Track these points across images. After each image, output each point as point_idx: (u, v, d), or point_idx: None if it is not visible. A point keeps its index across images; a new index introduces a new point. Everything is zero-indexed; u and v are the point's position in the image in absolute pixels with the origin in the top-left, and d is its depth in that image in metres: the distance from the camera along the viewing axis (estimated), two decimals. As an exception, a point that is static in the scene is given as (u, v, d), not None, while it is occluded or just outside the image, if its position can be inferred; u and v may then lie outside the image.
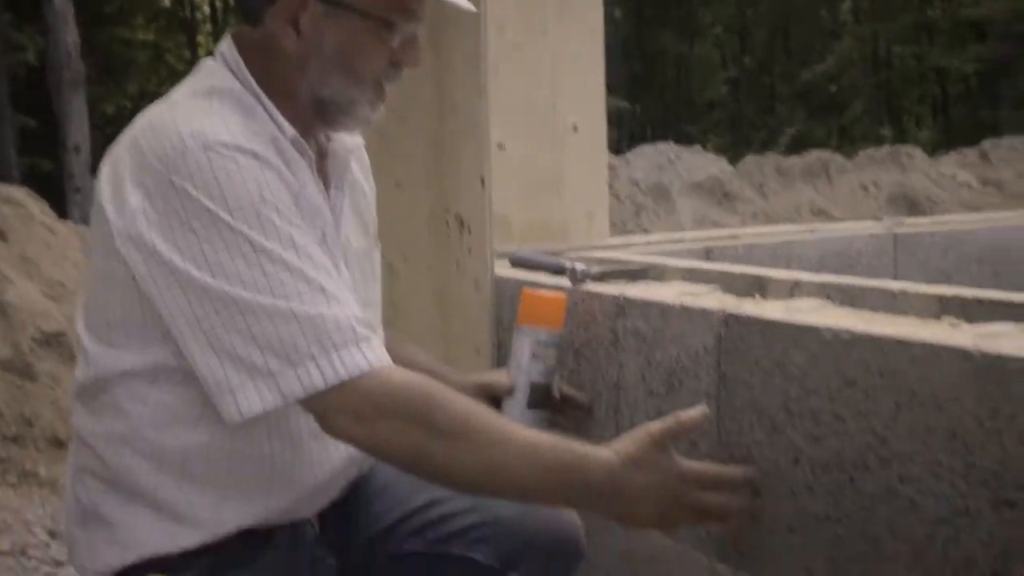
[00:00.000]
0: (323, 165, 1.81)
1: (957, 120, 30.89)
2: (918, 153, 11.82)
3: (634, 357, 2.14)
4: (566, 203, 3.38)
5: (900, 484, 1.54)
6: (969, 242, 3.84)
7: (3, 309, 5.60)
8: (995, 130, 20.43)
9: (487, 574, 1.89)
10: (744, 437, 1.84)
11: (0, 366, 5.44)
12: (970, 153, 12.54)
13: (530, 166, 3.27)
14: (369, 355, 1.57)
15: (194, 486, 1.67)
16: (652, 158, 10.78)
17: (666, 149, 11.18)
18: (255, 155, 1.58)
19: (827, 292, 2.15)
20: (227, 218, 1.53)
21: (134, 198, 1.56)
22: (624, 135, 25.04)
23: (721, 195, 9.23)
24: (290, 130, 1.69)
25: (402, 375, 1.60)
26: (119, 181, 1.59)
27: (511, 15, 3.27)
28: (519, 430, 1.62)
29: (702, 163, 10.80)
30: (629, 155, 11.15)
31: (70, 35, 13.71)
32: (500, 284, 2.70)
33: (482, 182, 2.74)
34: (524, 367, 1.97)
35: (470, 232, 2.80)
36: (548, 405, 1.94)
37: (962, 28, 29.39)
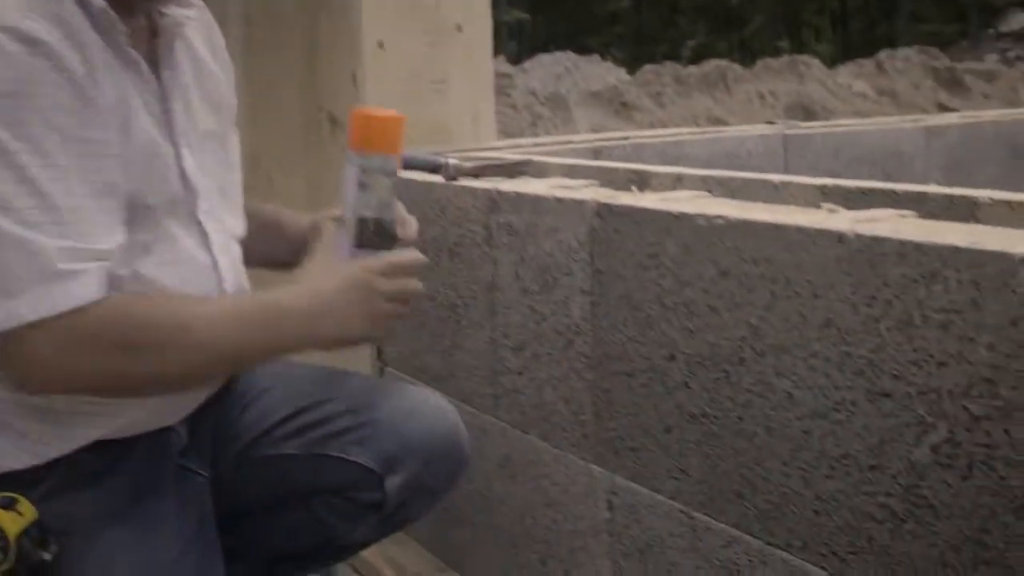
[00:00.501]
0: (154, 44, 1.65)
1: (854, 33, 31.14)
2: (816, 63, 11.83)
3: (507, 254, 2.04)
4: (450, 104, 3.26)
5: (776, 378, 1.47)
6: (859, 144, 3.80)
7: None
8: (891, 43, 20.59)
9: (366, 476, 1.80)
10: (619, 334, 1.77)
11: None
12: (867, 64, 12.60)
13: (411, 66, 3.15)
14: (77, 292, 1.42)
15: (32, 411, 1.55)
16: (550, 68, 10.64)
17: (563, 58, 11.05)
18: (26, 39, 1.41)
19: (709, 186, 2.07)
20: None
21: None
22: (525, 48, 24.78)
23: (619, 104, 9.14)
24: (97, 3, 1.53)
25: (105, 309, 1.45)
26: None
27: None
28: (206, 301, 1.57)
29: (600, 72, 10.70)
30: (526, 64, 11.00)
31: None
32: (374, 184, 2.58)
33: (354, 79, 2.60)
34: (351, 200, 1.65)
35: (343, 130, 2.67)
36: (384, 245, 1.66)
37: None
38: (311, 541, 1.85)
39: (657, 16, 34.72)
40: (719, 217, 1.55)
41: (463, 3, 3.27)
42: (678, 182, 2.13)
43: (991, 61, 16.61)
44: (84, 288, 1.42)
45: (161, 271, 1.54)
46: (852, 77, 11.81)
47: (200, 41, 1.74)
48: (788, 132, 3.69)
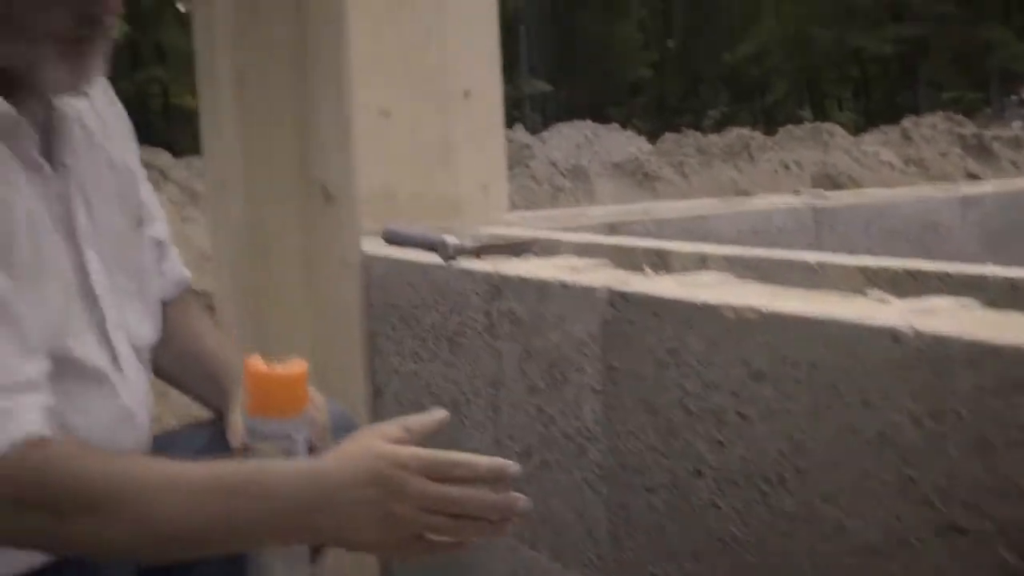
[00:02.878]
0: (49, 138, 1.46)
1: (877, 100, 31.08)
2: (839, 131, 11.65)
3: (511, 345, 1.82)
4: (458, 175, 3.07)
5: (822, 503, 1.24)
6: (893, 216, 3.60)
7: None
8: (914, 110, 20.49)
9: None
10: (636, 442, 1.53)
11: None
12: (891, 131, 12.40)
13: (417, 134, 2.97)
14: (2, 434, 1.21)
15: None
16: (570, 137, 10.46)
17: (584, 128, 10.87)
18: None
19: (736, 267, 1.84)
20: None
21: None
22: (548, 118, 24.76)
23: (641, 175, 8.95)
24: (5, 108, 1.35)
25: (36, 457, 1.22)
26: None
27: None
28: (166, 465, 1.26)
29: (621, 142, 10.51)
30: (546, 134, 10.82)
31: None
32: (369, 263, 2.37)
33: (347, 149, 2.41)
34: None
35: (336, 204, 2.47)
36: None
37: (880, 9, 29.54)
38: None
39: (679, 86, 34.82)
40: (749, 309, 1.32)
41: (471, 67, 3.10)
42: (702, 262, 1.91)
43: (1017, 128, 16.43)
44: (14, 427, 1.21)
45: (60, 398, 1.31)
46: (877, 145, 11.61)
47: (93, 119, 1.55)
48: (817, 204, 3.48)
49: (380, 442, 1.25)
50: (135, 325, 1.53)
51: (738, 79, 32.86)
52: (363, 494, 1.20)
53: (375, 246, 2.37)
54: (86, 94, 1.48)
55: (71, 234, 1.43)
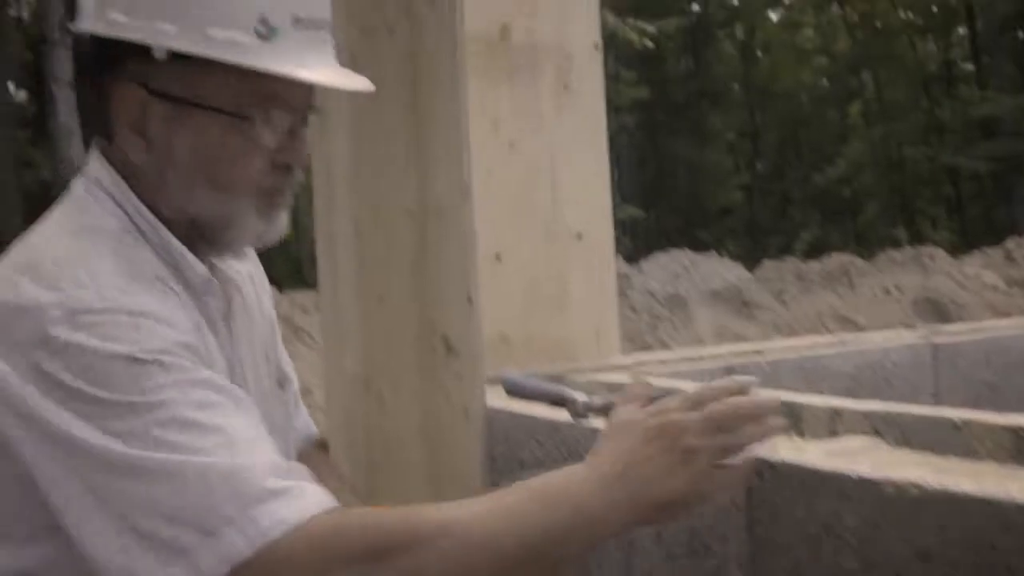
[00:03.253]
0: (209, 304, 1.50)
1: (972, 220, 30.71)
2: (940, 254, 11.51)
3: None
4: (571, 319, 3.07)
5: None
6: (1013, 350, 3.51)
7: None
8: (1012, 229, 20.19)
9: None
10: (786, 617, 1.48)
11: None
12: (994, 253, 12.22)
13: (530, 278, 2.97)
14: (294, 505, 1.23)
15: None
16: (667, 266, 10.46)
17: (681, 256, 10.87)
18: (129, 312, 1.29)
19: (873, 423, 1.80)
20: (102, 394, 1.24)
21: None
22: (639, 244, 24.83)
23: (740, 304, 8.90)
24: (202, 269, 1.42)
25: (331, 518, 1.26)
26: None
27: (506, 109, 3.00)
28: (469, 503, 1.31)
29: (719, 270, 10.48)
30: (643, 264, 10.84)
31: (75, 149, 13.54)
32: (493, 416, 2.34)
33: (469, 299, 2.40)
34: None
35: (458, 355, 2.45)
36: None
37: (971, 127, 29.35)
38: None
39: (769, 208, 34.76)
40: (912, 485, 1.27)
41: (583, 209, 3.11)
42: (836, 417, 1.86)
43: (1122, 248, 16.09)
44: (305, 500, 1.24)
45: None
46: (980, 267, 11.44)
47: (247, 280, 1.62)
48: (935, 340, 3.41)
49: (629, 409, 1.34)
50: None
51: (829, 200, 32.72)
52: (654, 446, 1.27)
53: (498, 399, 2.34)
54: (245, 255, 1.53)
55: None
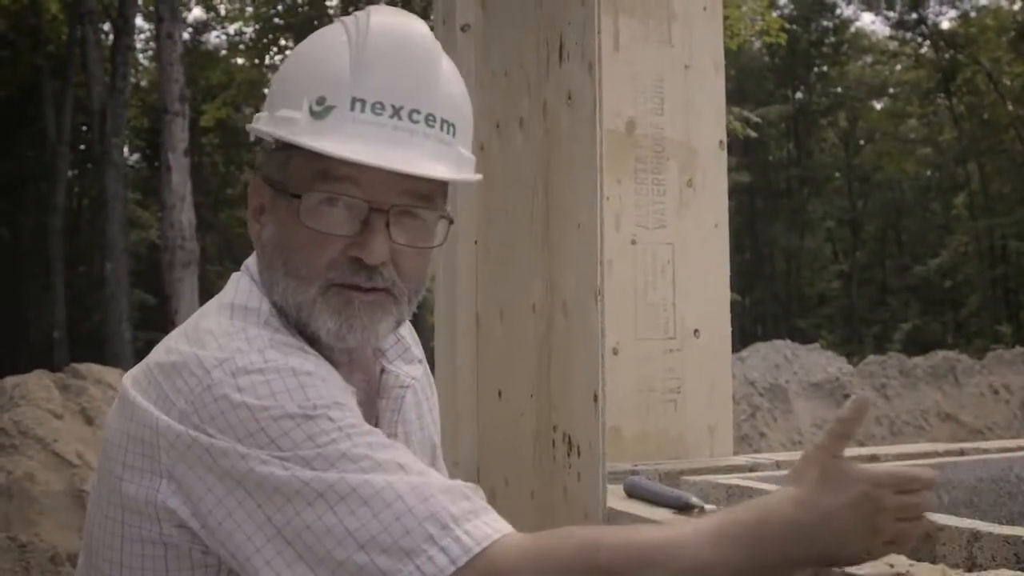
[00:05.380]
0: (377, 405, 1.50)
1: (1080, 316, 30.02)
2: (1050, 355, 11.26)
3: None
4: (686, 415, 3.04)
5: None
6: None
7: (80, 498, 5.36)
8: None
9: None
10: None
11: (70, 561, 5.19)
12: (1108, 353, 11.93)
13: (646, 373, 2.96)
14: (491, 519, 1.25)
15: None
16: (768, 356, 10.37)
17: (782, 347, 10.78)
18: (293, 371, 1.30)
19: (1016, 549, 1.76)
20: (263, 455, 1.25)
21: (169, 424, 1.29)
22: (735, 329, 24.71)
23: (841, 397, 8.78)
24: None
25: (530, 535, 1.28)
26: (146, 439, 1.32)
27: (629, 204, 3.00)
28: (681, 526, 1.38)
29: (820, 362, 10.37)
30: (744, 353, 10.77)
31: (186, 214, 13.93)
32: (613, 517, 2.32)
33: (595, 398, 2.38)
34: None
35: (579, 455, 2.44)
36: None
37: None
38: None
39: (867, 297, 34.34)
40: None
41: (701, 306, 3.09)
42: (974, 541, 1.83)
43: None
44: (497, 518, 1.27)
45: None
46: (1090, 370, 11.15)
47: (420, 387, 1.63)
48: (1061, 452, 3.33)
49: (855, 465, 1.38)
50: None
51: (929, 291, 32.25)
52: (856, 513, 1.34)
53: (620, 502, 2.33)
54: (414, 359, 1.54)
55: None
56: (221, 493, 1.26)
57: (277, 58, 28.54)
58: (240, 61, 27.36)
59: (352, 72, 1.34)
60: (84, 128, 22.11)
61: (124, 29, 17.88)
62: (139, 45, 23.96)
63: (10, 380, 6.06)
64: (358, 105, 1.34)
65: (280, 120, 1.36)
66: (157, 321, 18.86)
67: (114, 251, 16.77)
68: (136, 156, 24.57)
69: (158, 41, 14.82)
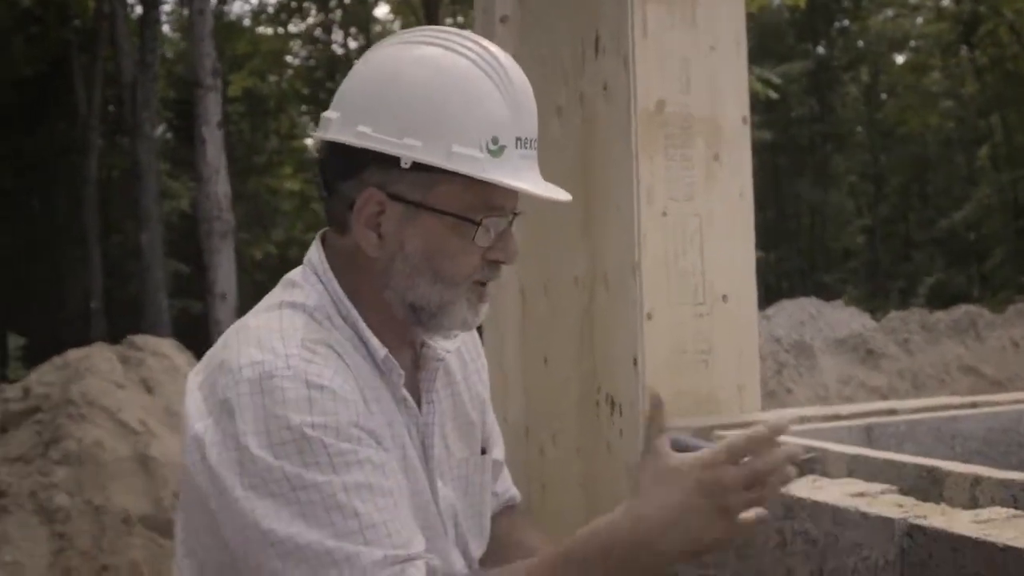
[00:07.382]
0: (416, 376, 1.73)
1: (1105, 268, 29.90)
2: (1073, 307, 11.37)
3: (804, 563, 1.98)
4: (716, 375, 3.24)
5: None
6: None
7: (145, 463, 5.63)
8: None
9: None
10: (935, 666, 1.67)
11: (141, 523, 5.44)
12: None
13: (679, 336, 3.15)
14: None
15: None
16: (793, 314, 10.57)
17: (807, 304, 10.97)
18: (308, 383, 1.52)
19: (1013, 492, 1.98)
20: (266, 456, 1.48)
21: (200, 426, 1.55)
22: (759, 285, 24.77)
23: (865, 352, 8.96)
24: (381, 350, 1.63)
25: None
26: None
27: (660, 179, 3.20)
28: (528, 564, 1.54)
29: (844, 318, 10.56)
30: (770, 311, 10.96)
31: (221, 186, 14.13)
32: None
33: (635, 361, 2.61)
34: None
35: (621, 414, 2.67)
36: None
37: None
38: None
39: (892, 252, 34.28)
40: (1052, 554, 1.46)
41: (729, 272, 3.28)
42: (976, 485, 2.04)
43: None
44: None
45: None
46: (1112, 321, 11.27)
47: (455, 360, 1.82)
48: (1071, 404, 3.49)
49: (682, 458, 1.46)
50: (471, 543, 1.77)
51: (953, 244, 32.14)
52: (696, 502, 1.42)
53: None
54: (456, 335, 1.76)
55: (427, 463, 1.69)
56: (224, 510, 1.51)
57: (301, 26, 28.64)
58: (266, 30, 27.54)
59: (511, 113, 1.59)
60: (112, 104, 22.29)
61: (151, 2, 18.09)
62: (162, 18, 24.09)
63: (73, 353, 6.34)
64: (519, 142, 1.60)
65: (457, 156, 1.55)
66: (192, 289, 19.14)
67: (149, 222, 17.02)
68: (162, 127, 24.73)
69: (190, 17, 14.96)
